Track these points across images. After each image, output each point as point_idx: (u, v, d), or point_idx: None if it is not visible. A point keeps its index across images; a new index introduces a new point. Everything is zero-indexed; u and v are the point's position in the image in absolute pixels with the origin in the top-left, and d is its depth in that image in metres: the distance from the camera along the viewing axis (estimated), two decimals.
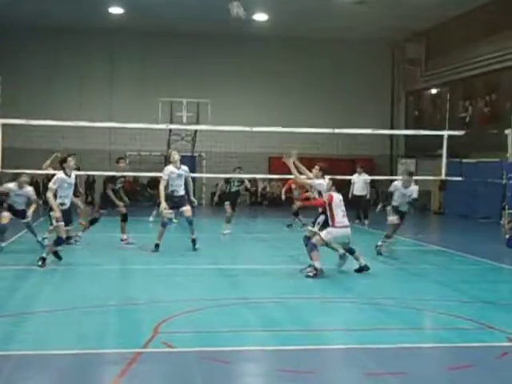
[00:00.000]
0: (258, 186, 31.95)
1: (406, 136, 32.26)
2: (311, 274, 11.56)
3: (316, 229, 12.14)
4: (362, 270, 12.08)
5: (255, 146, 28.18)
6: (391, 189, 15.01)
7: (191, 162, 29.46)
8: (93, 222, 15.97)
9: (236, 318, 8.79)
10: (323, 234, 11.73)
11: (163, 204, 14.28)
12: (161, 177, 14.89)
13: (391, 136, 33.37)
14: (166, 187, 14.60)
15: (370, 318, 8.96)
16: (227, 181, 18.60)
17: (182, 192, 14.70)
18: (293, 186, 19.71)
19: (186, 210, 14.66)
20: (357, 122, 26.14)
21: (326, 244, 11.94)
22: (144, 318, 8.59)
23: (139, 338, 7.50)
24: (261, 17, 28.86)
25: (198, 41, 31.65)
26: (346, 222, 11.88)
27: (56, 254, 12.79)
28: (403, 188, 14.74)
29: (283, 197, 20.24)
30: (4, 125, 15.69)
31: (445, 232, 23.59)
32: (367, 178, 20.91)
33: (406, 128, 32.32)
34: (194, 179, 28.35)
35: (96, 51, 31.69)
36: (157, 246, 14.58)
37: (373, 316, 9.05)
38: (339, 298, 10.17)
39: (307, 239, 12.23)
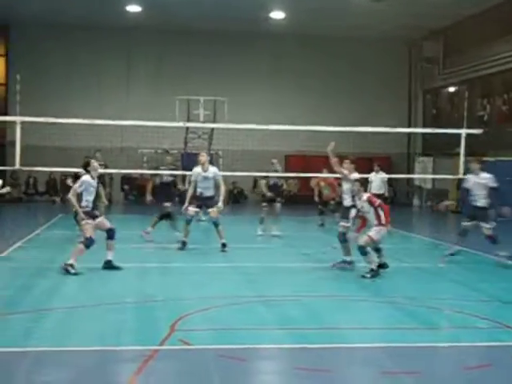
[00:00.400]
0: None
1: (424, 134, 32.16)
2: (369, 275, 11.42)
3: (350, 224, 12.14)
4: (381, 267, 11.98)
5: (272, 145, 28.17)
6: (466, 185, 13.75)
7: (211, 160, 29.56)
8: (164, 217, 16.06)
9: (252, 315, 8.80)
10: (373, 233, 11.57)
11: (185, 204, 14.46)
12: (178, 176, 15.00)
13: (409, 134, 33.25)
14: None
15: (386, 316, 8.95)
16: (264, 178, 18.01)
17: (209, 193, 14.66)
18: (322, 184, 19.51)
19: (212, 211, 14.58)
20: (374, 120, 26.02)
21: (373, 244, 11.71)
22: (161, 315, 8.63)
23: (156, 335, 7.54)
24: (278, 15, 28.85)
25: (214, 39, 31.68)
26: None
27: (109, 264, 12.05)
28: (475, 177, 13.42)
29: (316, 198, 19.86)
30: (22, 122, 15.80)
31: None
32: (385, 176, 20.68)
33: (424, 126, 32.21)
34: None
35: (113, 49, 31.84)
36: (183, 243, 14.61)
37: (389, 315, 9.03)
38: (356, 296, 10.15)
39: (342, 235, 12.27)
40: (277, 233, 17.36)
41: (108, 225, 12.09)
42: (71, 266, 11.38)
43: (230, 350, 7.10)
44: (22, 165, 16.16)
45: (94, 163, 12.34)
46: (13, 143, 16.19)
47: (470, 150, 17.81)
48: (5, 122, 25.03)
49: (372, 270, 11.48)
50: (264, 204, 17.54)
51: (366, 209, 11.80)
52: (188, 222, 14.63)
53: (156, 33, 31.33)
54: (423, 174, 30.17)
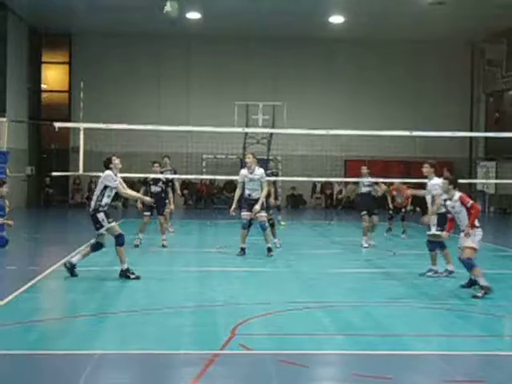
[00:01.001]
0: (333, 189, 31.82)
1: (486, 138, 31.56)
2: (480, 294, 10.37)
3: (439, 232, 11.78)
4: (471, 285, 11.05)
5: (332, 150, 28.09)
6: None
7: (267, 165, 29.57)
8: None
9: (312, 321, 8.77)
10: (470, 242, 10.63)
11: (233, 206, 14.55)
12: (236, 180, 15.09)
13: (471, 138, 32.68)
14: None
15: (448, 323, 8.81)
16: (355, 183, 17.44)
17: (257, 195, 14.57)
18: (394, 193, 19.09)
19: (259, 215, 14.56)
20: (435, 124, 25.74)
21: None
22: (221, 320, 8.67)
23: (216, 339, 7.57)
24: (337, 19, 28.75)
25: (272, 44, 31.77)
26: None
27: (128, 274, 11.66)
28: None
29: (391, 205, 19.44)
30: (85, 128, 16.11)
31: None
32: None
33: (486, 130, 31.61)
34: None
35: (173, 56, 32.24)
36: (242, 249, 14.65)
37: (451, 322, 8.89)
38: (416, 302, 10.01)
39: (431, 244, 12.11)
40: (372, 242, 16.74)
41: (119, 230, 11.72)
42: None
43: (290, 356, 7.08)
44: (84, 170, 16.47)
45: (116, 160, 11.87)
46: (76, 149, 16.51)
47: None
48: (68, 129, 25.57)
49: (482, 286, 10.43)
50: (363, 213, 16.58)
51: (457, 209, 10.92)
52: (244, 226, 14.65)
53: (215, 39, 31.57)
54: (486, 179, 29.62)
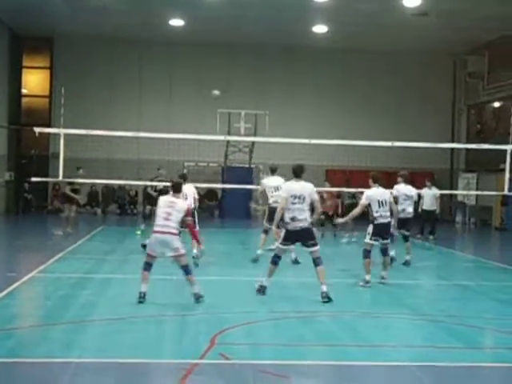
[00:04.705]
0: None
1: (467, 150, 31.73)
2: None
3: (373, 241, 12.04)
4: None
5: (313, 159, 28.04)
6: None
7: (248, 173, 29.56)
8: None
9: (292, 331, 8.73)
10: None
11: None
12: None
13: (452, 150, 32.82)
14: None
15: (427, 334, 8.80)
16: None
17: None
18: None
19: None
20: (416, 135, 25.84)
21: None
22: (201, 328, 8.60)
23: (196, 348, 7.51)
24: (321, 28, 28.82)
25: (256, 52, 31.75)
26: None
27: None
28: None
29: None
30: (66, 134, 16.00)
31: (506, 248, 23.05)
32: (437, 192, 19.93)
33: (468, 142, 31.77)
34: (250, 191, 28.62)
35: (156, 62, 32.08)
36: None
37: (431, 333, 8.89)
38: (396, 313, 9.99)
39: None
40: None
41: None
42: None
43: (270, 366, 7.03)
44: (64, 176, 16.36)
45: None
46: (56, 155, 16.41)
47: None
48: (48, 134, 25.39)
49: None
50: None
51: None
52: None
53: (198, 46, 31.50)
54: (467, 190, 29.76)
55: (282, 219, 10.97)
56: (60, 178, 16.41)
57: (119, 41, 30.99)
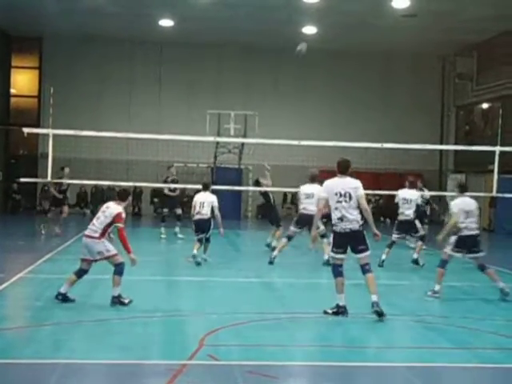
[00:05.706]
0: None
1: (456, 151, 31.83)
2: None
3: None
4: None
5: (302, 160, 28.08)
6: None
7: (238, 174, 29.56)
8: None
9: (281, 332, 8.72)
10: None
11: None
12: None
13: (441, 151, 32.91)
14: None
15: (417, 335, 8.82)
16: None
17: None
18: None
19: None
20: (405, 136, 25.90)
21: None
22: (189, 329, 8.59)
23: (185, 349, 7.49)
24: (309, 30, 28.84)
25: (245, 53, 31.79)
26: None
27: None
28: None
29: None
30: (55, 135, 15.94)
31: (495, 250, 23.08)
32: (426, 193, 19.69)
33: (456, 143, 31.88)
34: (239, 192, 28.59)
35: (145, 63, 32.03)
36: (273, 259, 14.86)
37: (420, 334, 8.90)
38: (386, 314, 9.99)
39: None
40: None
41: None
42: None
43: (259, 367, 7.02)
44: (53, 177, 16.31)
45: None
46: (45, 155, 16.36)
47: (504, 167, 17.60)
48: (37, 134, 25.31)
49: None
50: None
51: None
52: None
53: (188, 47, 31.48)
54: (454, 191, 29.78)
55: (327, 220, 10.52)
56: (48, 178, 16.35)
57: (108, 41, 30.92)
